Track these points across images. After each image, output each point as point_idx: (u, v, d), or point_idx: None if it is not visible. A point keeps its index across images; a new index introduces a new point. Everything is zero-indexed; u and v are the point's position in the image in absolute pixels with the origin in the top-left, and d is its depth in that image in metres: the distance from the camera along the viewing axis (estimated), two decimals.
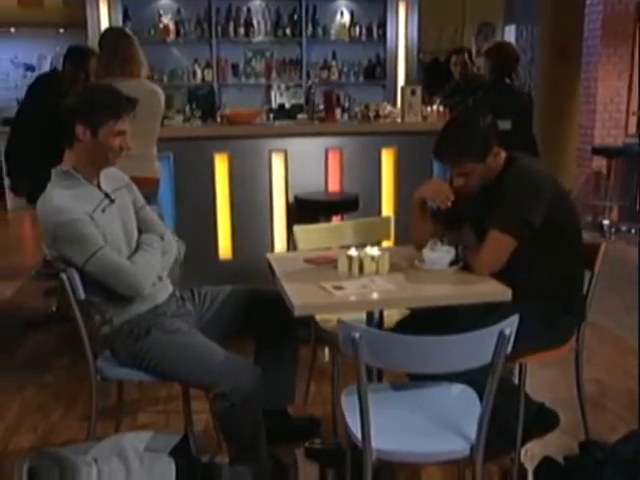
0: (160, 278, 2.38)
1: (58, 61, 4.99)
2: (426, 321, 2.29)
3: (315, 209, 3.75)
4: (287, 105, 5.70)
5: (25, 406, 3.09)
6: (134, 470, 1.86)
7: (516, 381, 2.44)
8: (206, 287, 2.61)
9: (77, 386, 3.15)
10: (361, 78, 7.19)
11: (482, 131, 2.31)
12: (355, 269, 2.31)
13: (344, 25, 7.00)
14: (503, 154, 2.38)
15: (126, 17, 6.53)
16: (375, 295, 2.12)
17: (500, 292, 2.13)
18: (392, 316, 2.54)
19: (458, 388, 2.06)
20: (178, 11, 6.75)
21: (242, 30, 6.82)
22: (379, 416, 1.83)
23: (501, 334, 1.65)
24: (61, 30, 8.07)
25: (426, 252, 2.36)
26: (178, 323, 2.29)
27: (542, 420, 2.54)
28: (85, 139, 2.17)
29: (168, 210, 3.95)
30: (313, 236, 2.84)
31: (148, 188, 3.51)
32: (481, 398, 1.98)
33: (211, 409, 2.16)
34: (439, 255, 2.33)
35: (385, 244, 3.27)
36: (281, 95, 6.84)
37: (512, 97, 4.32)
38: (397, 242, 3.89)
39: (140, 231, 2.43)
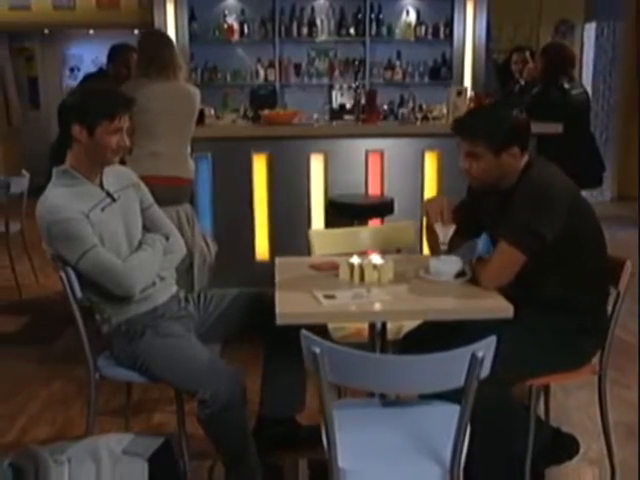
0: (162, 278, 2.37)
1: None
2: (434, 334, 2.18)
3: (348, 212, 3.66)
4: (348, 105, 5.63)
5: (50, 398, 3.18)
6: (104, 473, 1.84)
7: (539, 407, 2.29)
8: (214, 290, 2.59)
9: (100, 382, 3.19)
10: (426, 78, 7.01)
11: (511, 122, 2.15)
12: (356, 277, 2.22)
13: (409, 24, 6.84)
14: (524, 159, 2.21)
15: (192, 17, 6.64)
16: (365, 306, 2.02)
17: (502, 308, 1.98)
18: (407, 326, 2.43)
19: (452, 408, 1.93)
20: (242, 11, 6.79)
21: (305, 30, 6.79)
22: (354, 434, 1.75)
23: (473, 356, 1.52)
24: (136, 31, 8.30)
25: (432, 262, 2.24)
26: (173, 326, 2.27)
27: (557, 447, 2.36)
28: (82, 138, 2.18)
29: (205, 210, 3.97)
30: (329, 240, 2.76)
31: (181, 188, 3.54)
32: (473, 420, 1.85)
33: (196, 415, 2.13)
34: (445, 266, 2.21)
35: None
36: (342, 95, 6.77)
37: (565, 98, 4.09)
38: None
39: (148, 231, 2.43)
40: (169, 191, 3.47)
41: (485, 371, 1.56)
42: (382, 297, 2.06)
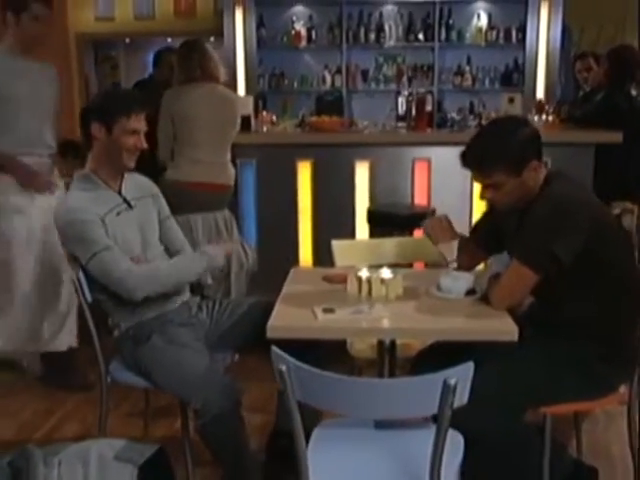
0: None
1: None
2: (445, 352, 2.08)
3: (389, 222, 3.56)
4: (414, 112, 5.53)
5: (86, 396, 3.25)
6: (91, 478, 1.85)
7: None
8: (233, 297, 2.57)
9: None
10: (497, 85, 6.78)
11: (520, 138, 2.00)
12: (364, 291, 2.15)
13: (480, 29, 6.63)
14: (544, 171, 2.08)
15: (261, 24, 6.70)
16: (361, 323, 1.94)
17: (506, 331, 1.86)
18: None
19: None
20: (310, 17, 6.80)
21: (373, 35, 6.71)
22: (332, 457, 1.67)
23: (445, 384, 1.42)
24: (212, 38, 8.48)
25: (442, 279, 2.13)
26: (181, 332, 2.27)
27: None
28: (101, 137, 2.23)
29: (250, 216, 3.99)
30: (350, 252, 2.70)
31: (220, 194, 3.57)
32: (467, 445, 1.75)
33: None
34: (455, 283, 2.10)
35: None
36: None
37: (631, 105, 3.83)
38: None
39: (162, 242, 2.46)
40: (208, 197, 3.51)
41: (461, 399, 1.46)
42: (383, 314, 1.98)
